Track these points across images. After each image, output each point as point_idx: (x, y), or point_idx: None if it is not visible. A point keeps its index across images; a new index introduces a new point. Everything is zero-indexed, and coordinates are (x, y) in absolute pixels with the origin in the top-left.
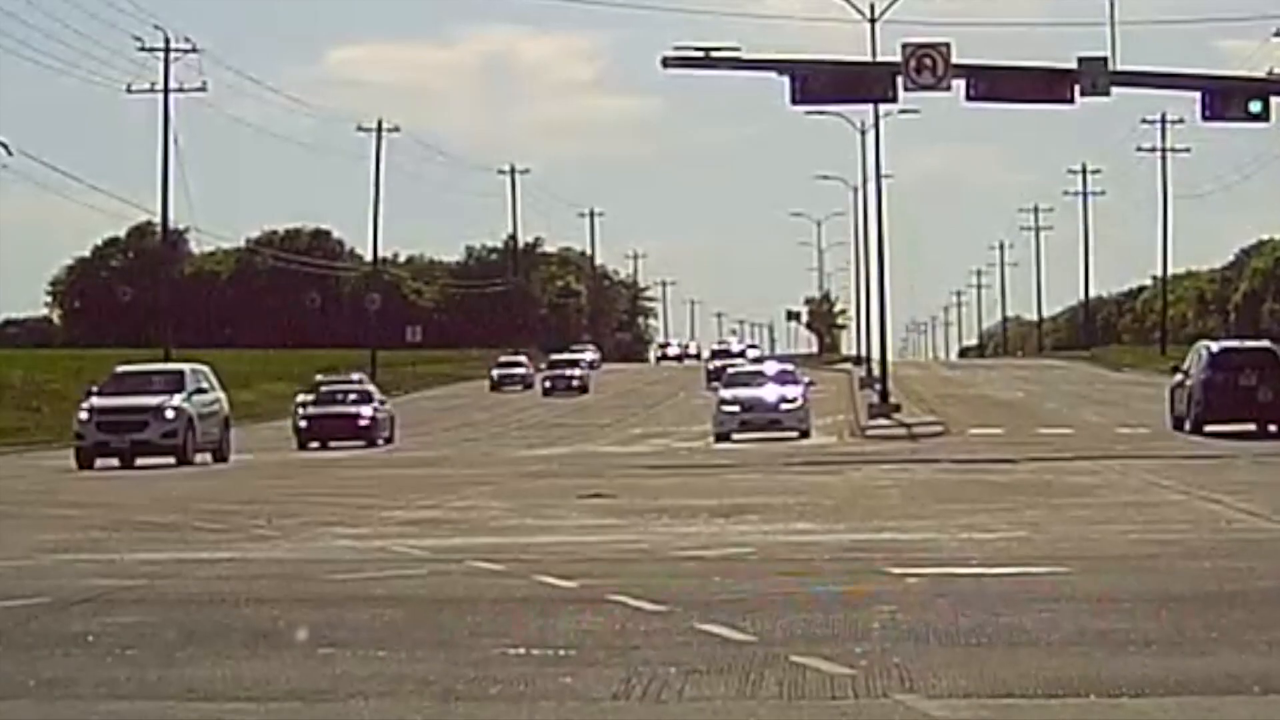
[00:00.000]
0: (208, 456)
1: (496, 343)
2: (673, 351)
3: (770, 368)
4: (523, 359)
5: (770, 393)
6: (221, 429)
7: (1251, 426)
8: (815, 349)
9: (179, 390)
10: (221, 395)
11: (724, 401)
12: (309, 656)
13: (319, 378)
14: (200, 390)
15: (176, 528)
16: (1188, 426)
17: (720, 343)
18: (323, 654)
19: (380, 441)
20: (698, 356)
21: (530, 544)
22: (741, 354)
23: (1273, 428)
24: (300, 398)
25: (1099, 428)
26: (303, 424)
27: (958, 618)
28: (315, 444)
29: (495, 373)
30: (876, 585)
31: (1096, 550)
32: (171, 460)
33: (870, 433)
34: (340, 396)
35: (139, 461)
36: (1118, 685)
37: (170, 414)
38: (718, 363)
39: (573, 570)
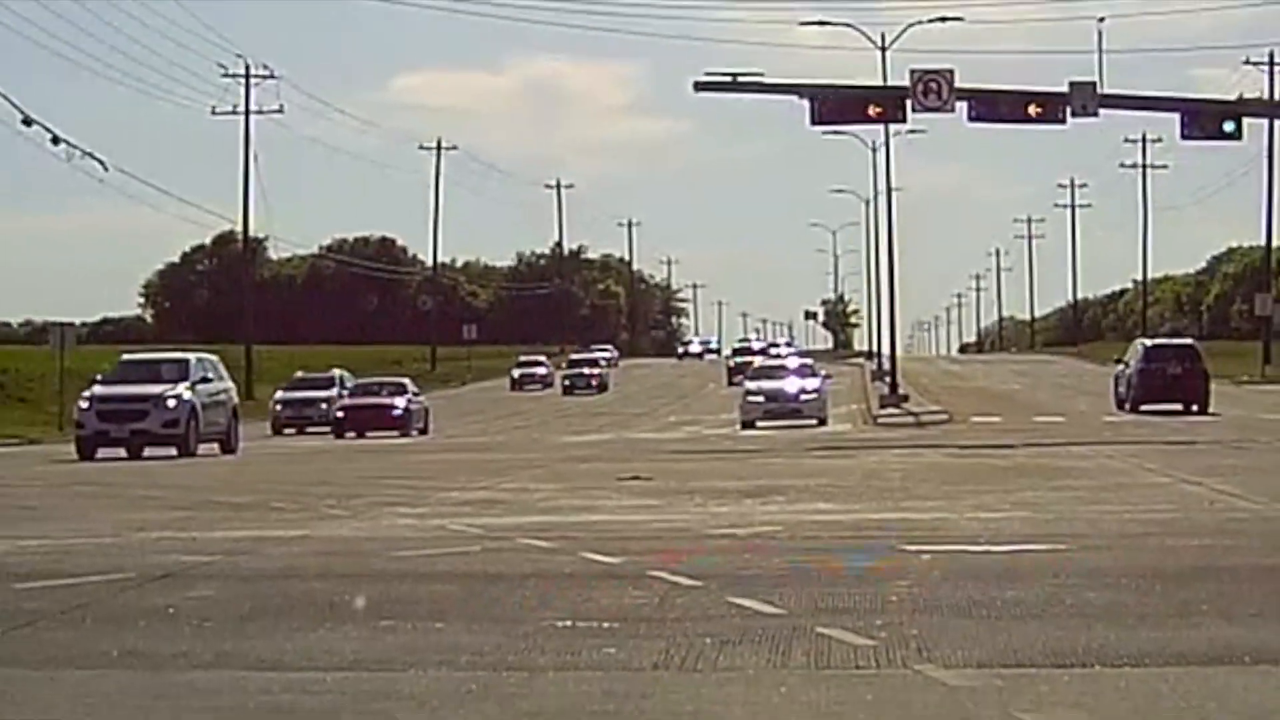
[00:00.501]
0: (215, 447)
1: (544, 339)
2: (695, 349)
3: (791, 362)
4: (542, 359)
5: (791, 385)
6: (229, 419)
7: (1177, 406)
8: (831, 345)
9: (183, 380)
10: (230, 386)
11: (750, 392)
12: (372, 628)
13: (299, 374)
14: (205, 380)
15: (252, 507)
16: (1127, 406)
17: (741, 340)
18: (385, 626)
19: (414, 432)
20: (718, 352)
21: (575, 523)
22: (762, 351)
23: (1195, 407)
24: (278, 394)
25: (1088, 416)
26: (339, 414)
27: (968, 592)
28: (352, 433)
29: (515, 372)
30: (893, 562)
31: (1092, 529)
32: (173, 451)
33: (881, 421)
34: (376, 389)
35: (191, 449)
36: (1119, 656)
37: (171, 403)
38: (739, 359)
39: (615, 547)
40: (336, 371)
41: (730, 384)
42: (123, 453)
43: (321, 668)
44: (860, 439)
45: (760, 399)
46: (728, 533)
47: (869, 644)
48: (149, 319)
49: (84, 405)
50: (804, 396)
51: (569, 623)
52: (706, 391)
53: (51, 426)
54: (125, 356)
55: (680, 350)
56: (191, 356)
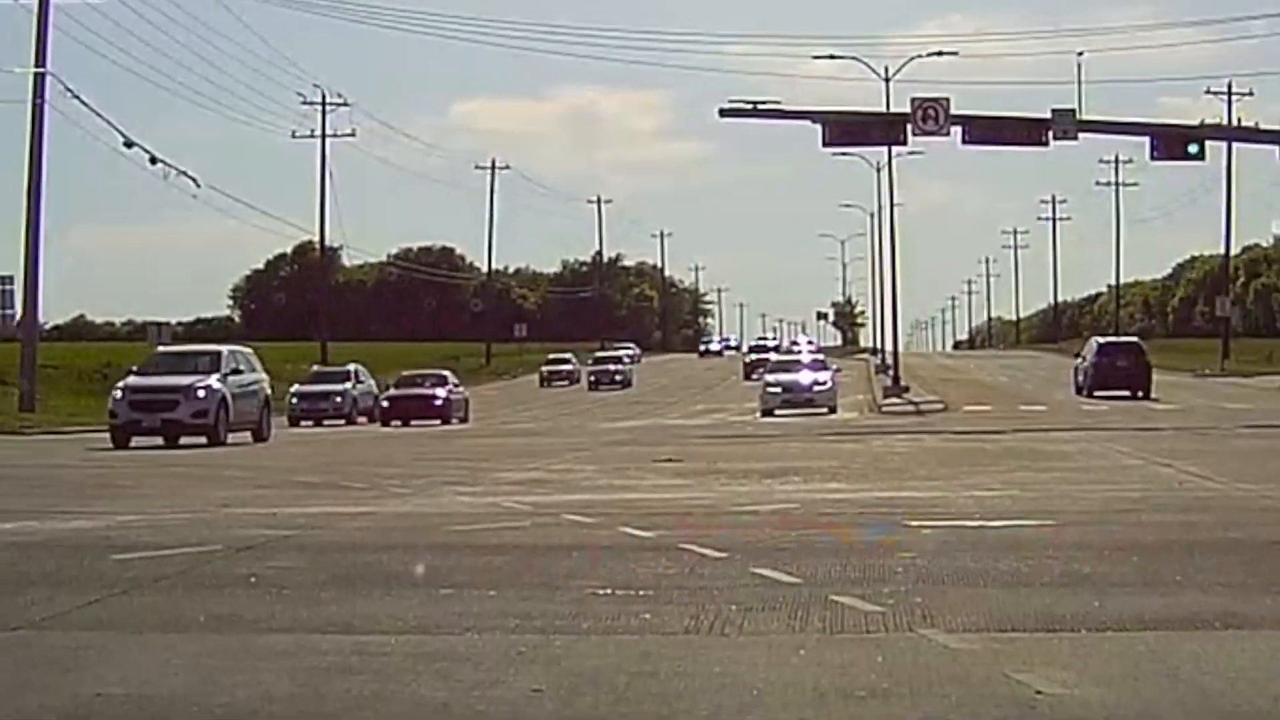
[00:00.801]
0: (247, 435)
1: (586, 338)
2: (715, 347)
3: (805, 357)
4: (569, 357)
5: (806, 377)
6: (260, 409)
7: (1126, 393)
8: (840, 342)
9: (214, 371)
10: (263, 377)
11: (769, 384)
12: (432, 596)
13: (315, 368)
14: (236, 371)
15: (325, 486)
16: (1084, 393)
17: (760, 339)
18: (444, 594)
19: (454, 420)
20: (737, 349)
21: (615, 500)
22: (775, 349)
23: (1140, 393)
24: (294, 388)
25: (1067, 405)
26: (385, 404)
27: (966, 563)
28: (397, 421)
29: (544, 369)
30: (898, 536)
31: (1075, 506)
32: (203, 440)
33: (885, 410)
34: (420, 381)
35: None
36: (1103, 621)
37: (201, 393)
38: (754, 356)
39: (650, 523)
40: (353, 366)
41: (747, 379)
42: (159, 441)
43: (387, 631)
44: (866, 425)
45: (778, 390)
46: (750, 509)
47: (878, 610)
48: (237, 319)
49: (118, 395)
50: (816, 388)
51: (609, 590)
52: (728, 384)
53: None
54: (160, 349)
55: (702, 348)
56: (224, 349)
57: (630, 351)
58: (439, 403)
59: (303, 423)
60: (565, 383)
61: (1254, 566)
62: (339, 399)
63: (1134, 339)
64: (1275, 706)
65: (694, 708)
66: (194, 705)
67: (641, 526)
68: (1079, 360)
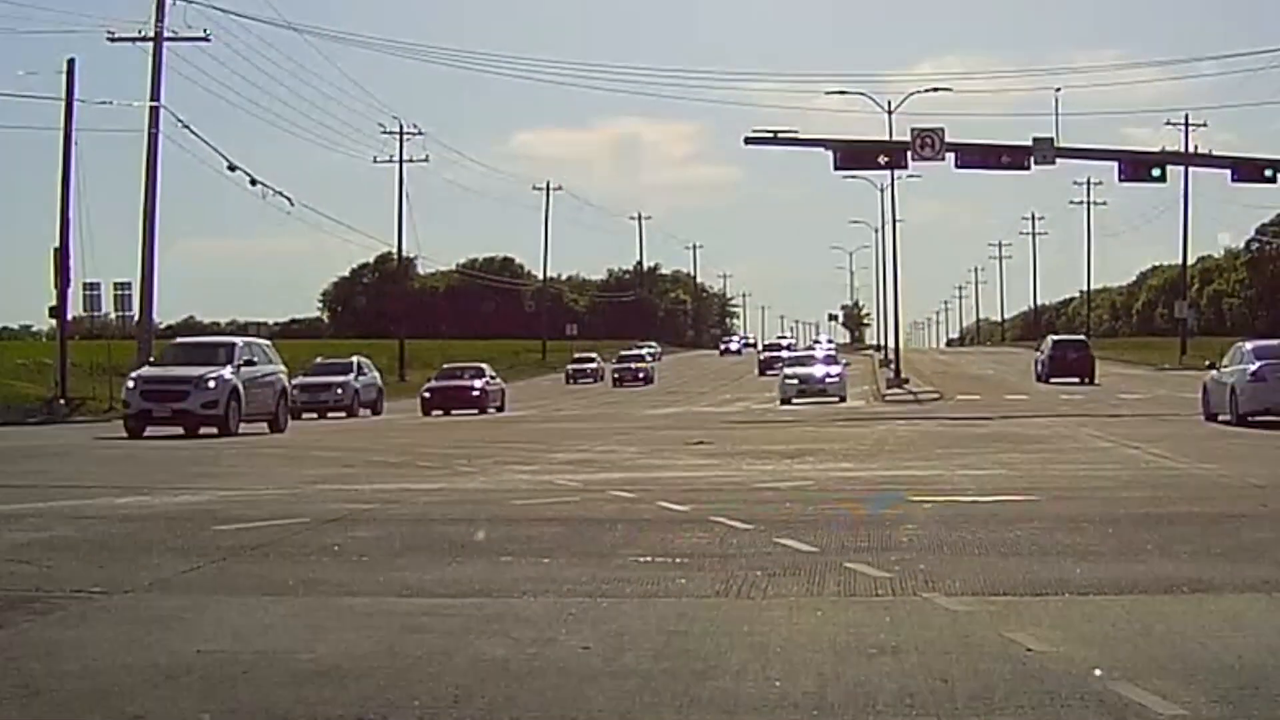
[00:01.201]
0: (264, 426)
1: (629, 336)
2: (734, 346)
3: (819, 353)
4: (594, 356)
5: (819, 370)
6: (277, 400)
7: (1075, 380)
8: (848, 340)
9: (228, 362)
10: (280, 369)
11: (787, 376)
12: (493, 563)
13: (318, 360)
14: (250, 362)
15: (402, 465)
16: (1043, 380)
17: (780, 336)
18: (504, 561)
19: (491, 409)
20: (754, 348)
21: (653, 478)
22: (788, 347)
23: (1085, 380)
24: (295, 380)
25: (1045, 394)
26: (426, 395)
27: (962, 534)
28: (438, 411)
29: (570, 368)
30: (902, 509)
31: (1055, 483)
32: (214, 430)
33: (888, 398)
34: (459, 373)
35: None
36: (1084, 586)
37: (211, 384)
38: (768, 354)
39: (684, 498)
40: (356, 358)
41: (762, 374)
42: (179, 430)
43: (453, 594)
44: (872, 412)
45: (795, 381)
46: (771, 486)
47: (886, 576)
48: (325, 320)
49: (130, 385)
50: (828, 379)
51: (648, 558)
52: (748, 378)
53: None
54: (178, 340)
55: (722, 347)
56: (239, 340)
57: (653, 350)
58: (476, 393)
59: (304, 415)
60: (590, 380)
61: (1215, 537)
62: (340, 390)
63: (1081, 337)
64: (1240, 663)
65: (724, 663)
66: (283, 661)
67: (677, 501)
68: (1038, 354)
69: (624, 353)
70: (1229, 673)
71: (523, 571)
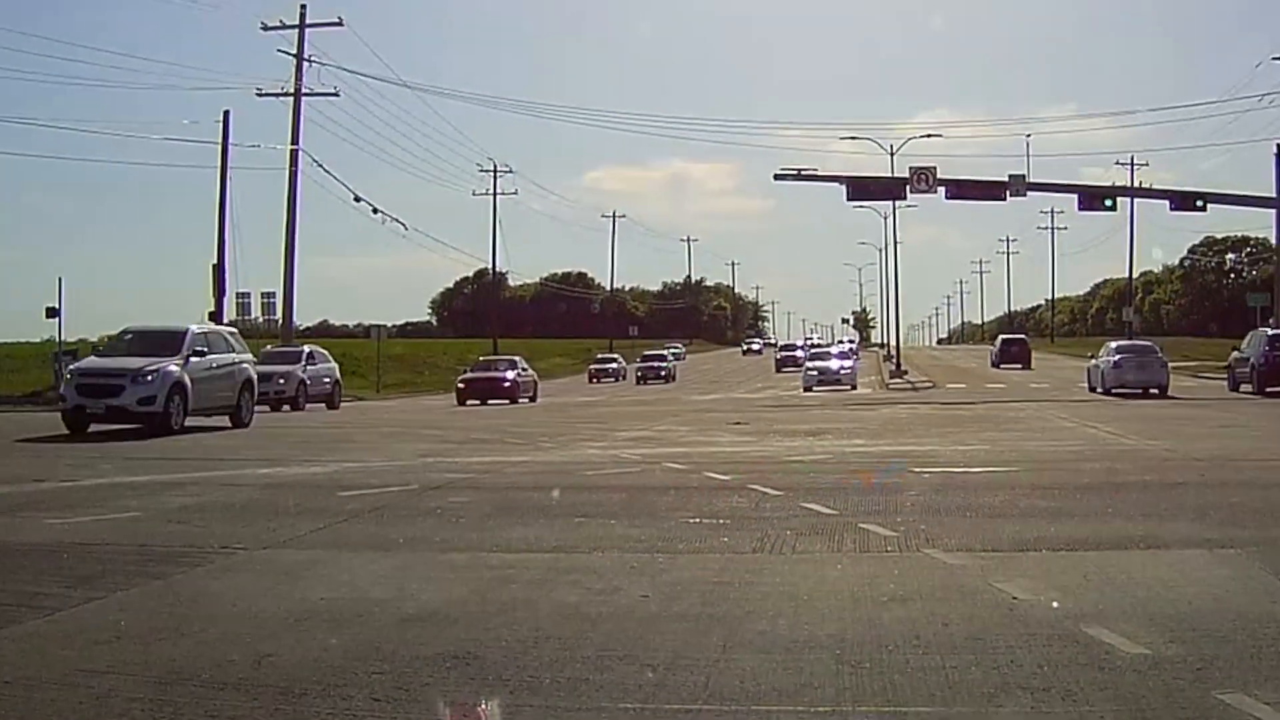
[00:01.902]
0: (225, 420)
1: (680, 336)
2: (755, 346)
3: (834, 349)
4: (617, 356)
5: (835, 363)
6: (238, 391)
7: (1017, 366)
8: (857, 339)
9: (174, 353)
10: (245, 358)
11: (808, 368)
12: (568, 524)
13: (268, 348)
14: (201, 352)
15: (494, 442)
16: (996, 367)
17: (807, 337)
18: (577, 521)
19: (523, 399)
20: (774, 347)
21: (700, 452)
22: (801, 347)
23: (1024, 367)
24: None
25: (1018, 383)
26: (461, 385)
27: (956, 499)
28: (474, 401)
29: (591, 367)
30: (907, 479)
31: (1030, 457)
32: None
33: (891, 387)
34: (492, 365)
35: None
36: (1058, 543)
37: (150, 378)
38: (784, 354)
39: (726, 469)
40: (309, 348)
41: (778, 371)
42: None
43: (535, 550)
44: (878, 399)
45: (815, 372)
46: (797, 459)
47: (893, 535)
48: (434, 323)
49: (67, 377)
50: (842, 371)
51: (697, 520)
52: (765, 374)
53: (371, 389)
54: (130, 327)
55: (744, 347)
56: (193, 327)
57: (676, 350)
58: (507, 384)
59: (470, 401)
60: (612, 380)
61: (1163, 501)
62: (282, 380)
63: (1021, 336)
64: (1189, 609)
65: (761, 609)
66: (392, 606)
67: (720, 471)
68: (991, 348)
69: (648, 353)
70: (1181, 617)
71: (593, 531)
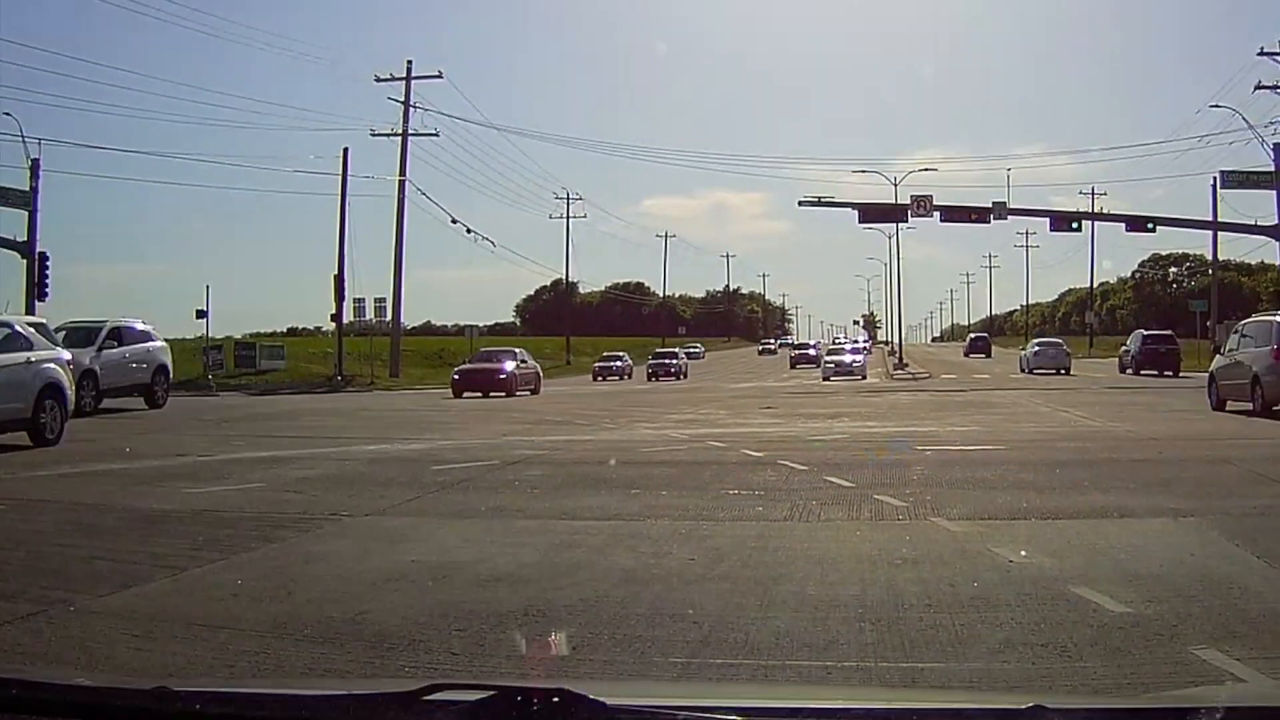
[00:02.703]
0: (140, 400)
1: (720, 334)
2: (771, 346)
3: (848, 345)
4: (622, 354)
5: (849, 357)
6: (153, 376)
7: (982, 355)
8: (866, 337)
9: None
10: (152, 345)
11: (826, 361)
12: (626, 494)
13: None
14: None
15: (564, 423)
16: (966, 356)
17: (835, 338)
18: (633, 493)
19: (522, 392)
20: (789, 347)
21: (737, 432)
22: (814, 346)
23: (987, 356)
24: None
25: (1000, 375)
26: (455, 377)
27: (955, 473)
28: (472, 394)
29: (596, 365)
30: (912, 455)
31: (1014, 437)
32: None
33: (895, 378)
34: (490, 357)
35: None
36: (1044, 512)
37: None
38: (797, 352)
39: (760, 446)
40: (114, 323)
41: (792, 368)
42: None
43: (597, 518)
44: (885, 387)
45: (832, 365)
46: (819, 439)
47: (904, 505)
48: (518, 323)
49: None
50: (854, 364)
51: (736, 491)
52: (781, 369)
53: None
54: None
55: (760, 347)
56: (108, 322)
57: (694, 349)
58: (504, 376)
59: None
60: (616, 377)
61: (1131, 476)
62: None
63: (984, 334)
64: (1162, 570)
65: (792, 571)
66: (471, 568)
67: (754, 449)
68: (965, 344)
69: (659, 350)
70: (1155, 579)
71: (647, 501)
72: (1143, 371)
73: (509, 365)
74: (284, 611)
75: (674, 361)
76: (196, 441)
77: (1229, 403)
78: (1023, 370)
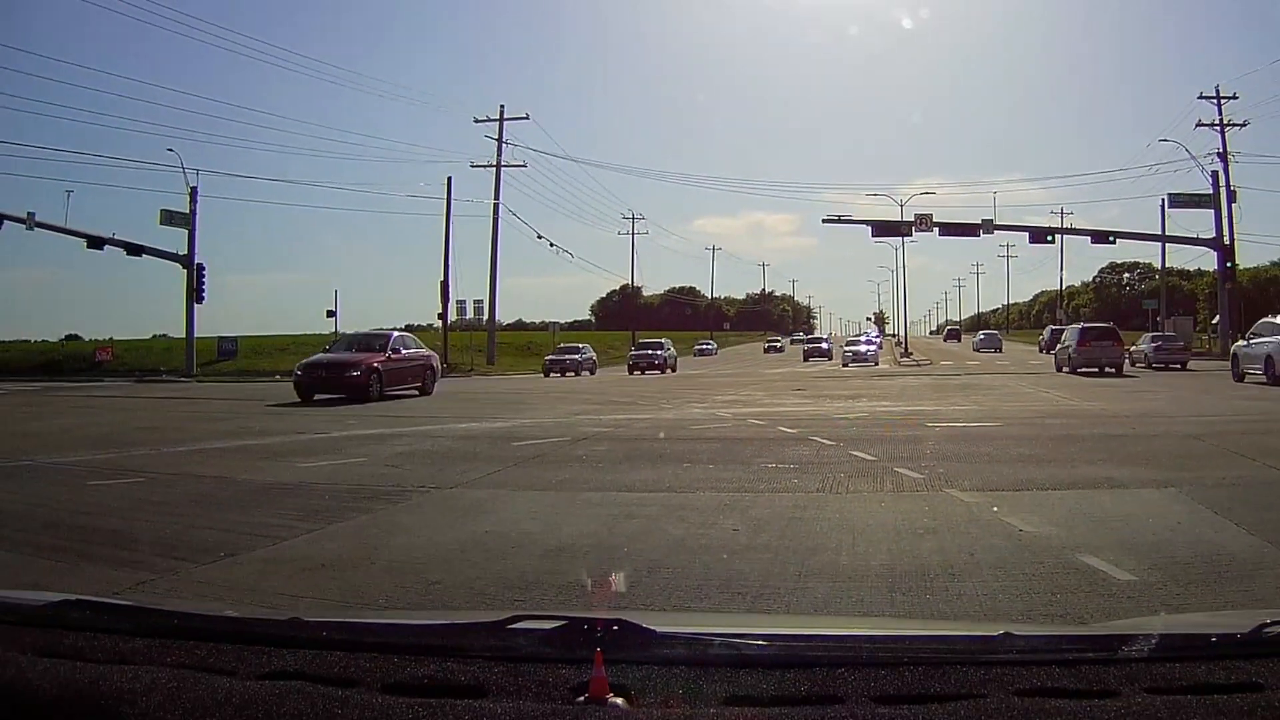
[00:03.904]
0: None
1: (758, 329)
2: (779, 344)
3: (863, 338)
4: (665, 342)
5: (864, 347)
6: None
7: (955, 342)
8: (879, 332)
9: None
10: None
11: (846, 351)
12: (678, 468)
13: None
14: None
15: (627, 403)
16: (944, 342)
17: (864, 333)
18: (684, 467)
19: (585, 373)
20: (803, 340)
21: (774, 411)
22: (824, 340)
23: (957, 341)
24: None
25: (987, 361)
26: (548, 361)
27: (961, 448)
28: (556, 375)
29: (548, 359)
30: (923, 432)
31: (1008, 415)
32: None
33: (902, 365)
34: (568, 349)
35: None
36: (1045, 484)
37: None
38: (807, 346)
39: (793, 424)
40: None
41: (805, 360)
42: (561, 376)
43: (653, 490)
44: (894, 372)
45: (850, 354)
46: (843, 417)
47: (921, 477)
48: (593, 320)
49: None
50: (868, 353)
51: (774, 465)
52: (794, 362)
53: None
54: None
55: (766, 346)
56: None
57: (705, 346)
58: (580, 359)
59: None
60: (572, 373)
61: (1114, 450)
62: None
63: (956, 326)
64: (1156, 539)
65: (826, 542)
66: (539, 539)
67: (789, 426)
68: (944, 334)
69: (642, 341)
70: (1152, 546)
71: (696, 474)
72: (1080, 372)
73: (580, 355)
74: (364, 582)
75: (660, 354)
76: (314, 421)
77: (1247, 376)
78: (976, 350)
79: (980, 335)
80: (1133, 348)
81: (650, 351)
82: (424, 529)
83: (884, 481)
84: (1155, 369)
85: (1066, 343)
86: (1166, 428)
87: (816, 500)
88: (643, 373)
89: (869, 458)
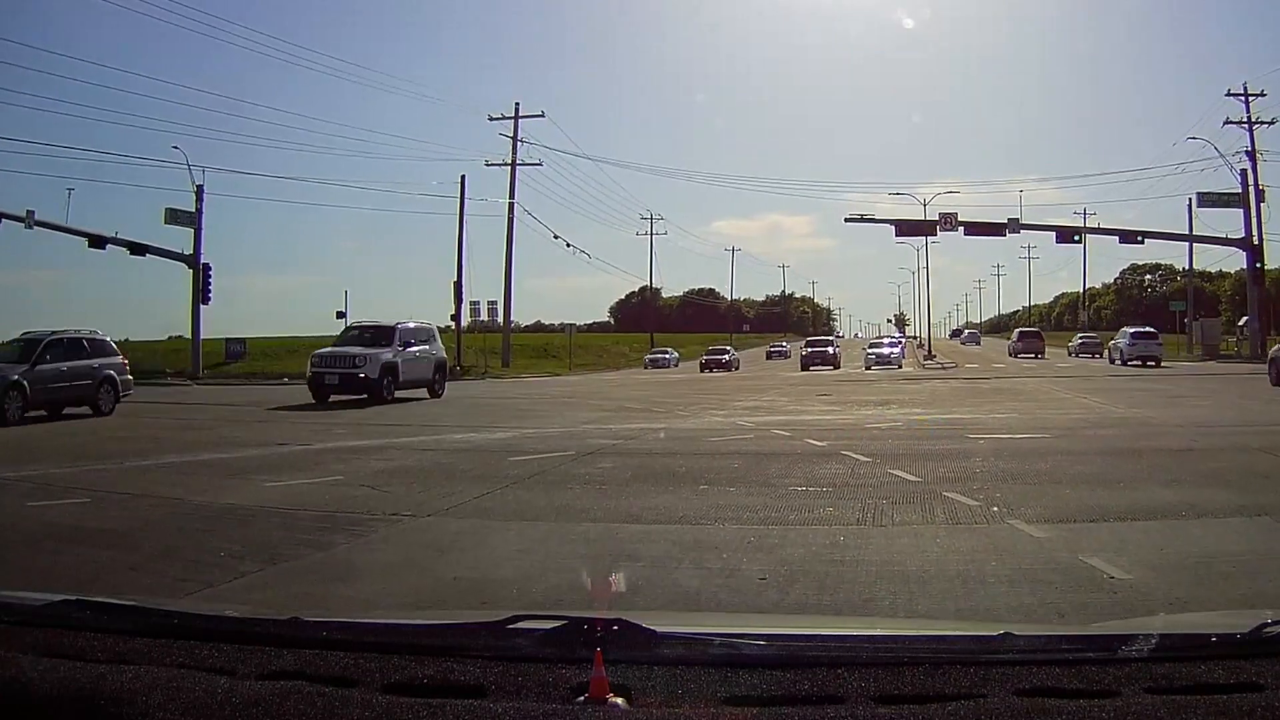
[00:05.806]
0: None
1: (777, 332)
2: (784, 349)
3: (886, 340)
4: (668, 350)
5: (888, 350)
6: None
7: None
8: (902, 334)
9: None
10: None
11: (868, 353)
12: (694, 490)
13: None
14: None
15: (641, 410)
16: (961, 345)
17: (879, 337)
18: (701, 489)
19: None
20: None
21: (799, 420)
22: (829, 343)
23: (979, 347)
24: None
25: (1013, 364)
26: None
27: (1012, 466)
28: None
29: (647, 357)
30: (966, 445)
31: (1051, 424)
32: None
33: (926, 367)
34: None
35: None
36: (1119, 512)
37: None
38: (810, 350)
39: (821, 435)
40: None
41: (805, 369)
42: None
43: (663, 521)
44: (918, 376)
45: (874, 356)
46: (875, 426)
47: (976, 504)
48: (612, 322)
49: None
50: (892, 355)
51: (804, 487)
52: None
53: (565, 370)
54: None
55: (769, 351)
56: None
57: (727, 353)
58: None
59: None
60: (664, 369)
61: (1179, 468)
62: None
63: (975, 330)
64: (1253, 584)
65: (877, 595)
66: (519, 587)
67: (817, 438)
68: (961, 338)
69: (713, 348)
70: (1277, 599)
71: (715, 499)
72: (1129, 363)
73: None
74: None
75: (666, 357)
76: (301, 431)
77: None
78: (1011, 355)
79: (1016, 339)
80: (1109, 343)
81: (717, 355)
82: (380, 575)
83: (934, 510)
84: (1129, 364)
85: (1119, 342)
86: (1225, 440)
87: (858, 536)
88: (712, 371)
89: (912, 478)
